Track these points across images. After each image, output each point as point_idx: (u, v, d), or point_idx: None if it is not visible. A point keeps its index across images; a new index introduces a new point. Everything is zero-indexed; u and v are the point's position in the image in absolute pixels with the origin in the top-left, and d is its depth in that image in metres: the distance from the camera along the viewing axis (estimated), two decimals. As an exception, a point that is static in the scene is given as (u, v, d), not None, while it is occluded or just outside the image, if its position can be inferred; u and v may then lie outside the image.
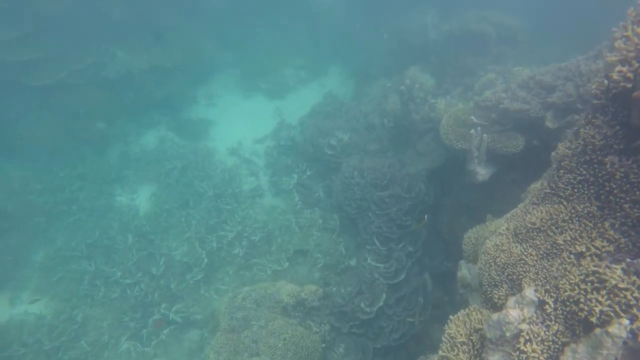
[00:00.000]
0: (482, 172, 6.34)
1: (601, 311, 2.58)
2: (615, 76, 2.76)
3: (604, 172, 2.97)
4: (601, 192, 3.00)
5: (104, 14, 10.63)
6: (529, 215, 3.48)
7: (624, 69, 2.71)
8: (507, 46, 10.71)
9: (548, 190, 3.45)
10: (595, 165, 3.05)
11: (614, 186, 2.90)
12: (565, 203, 3.26)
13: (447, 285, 7.66)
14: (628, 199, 2.81)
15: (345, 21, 14.67)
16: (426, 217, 7.27)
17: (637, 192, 2.75)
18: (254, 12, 14.21)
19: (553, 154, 3.56)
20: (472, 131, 5.92)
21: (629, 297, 2.53)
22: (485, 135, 6.18)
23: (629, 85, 2.69)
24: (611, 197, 2.92)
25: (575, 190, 3.19)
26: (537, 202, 3.58)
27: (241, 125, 12.21)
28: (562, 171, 3.35)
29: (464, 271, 4.71)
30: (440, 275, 7.81)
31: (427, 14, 11.46)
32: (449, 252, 8.00)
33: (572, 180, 3.22)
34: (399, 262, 7.76)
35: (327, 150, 9.37)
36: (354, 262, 8.28)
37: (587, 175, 3.10)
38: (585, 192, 3.12)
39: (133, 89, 11.66)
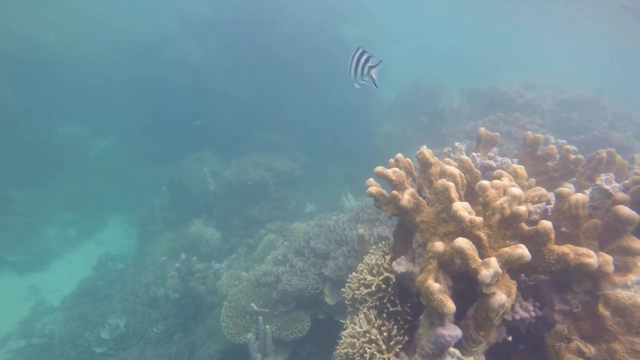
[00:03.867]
0: (273, 368, 5.66)
1: None
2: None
3: None
4: None
5: None
6: None
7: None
8: (287, 188, 11.13)
9: None
10: None
11: None
12: None
13: None
14: None
15: (122, 168, 13.44)
16: None
17: None
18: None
19: None
20: (250, 335, 5.25)
21: None
22: (268, 326, 5.61)
23: None
24: None
25: None
26: None
27: (-25, 322, 9.08)
28: None
29: None
30: None
31: (205, 163, 11.24)
32: None
33: None
34: None
35: (96, 348, 7.44)
36: None
37: None
38: None
39: None
